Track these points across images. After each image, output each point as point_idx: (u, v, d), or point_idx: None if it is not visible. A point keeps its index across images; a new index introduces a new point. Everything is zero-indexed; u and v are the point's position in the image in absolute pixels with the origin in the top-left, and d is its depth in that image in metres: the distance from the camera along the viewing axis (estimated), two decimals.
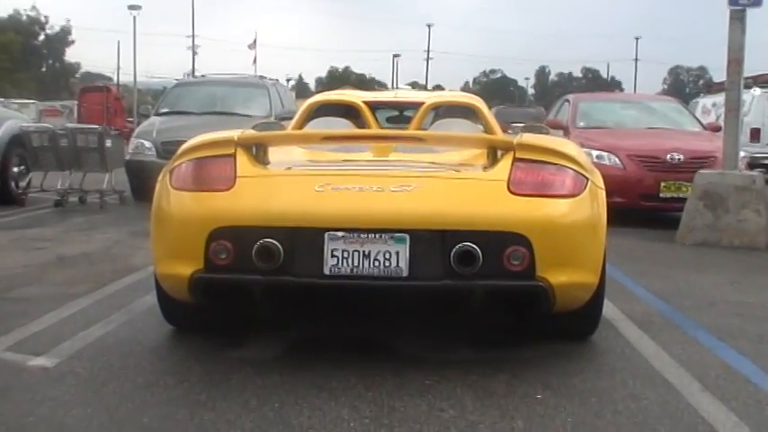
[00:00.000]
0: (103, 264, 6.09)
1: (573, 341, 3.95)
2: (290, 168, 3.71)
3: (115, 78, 57.17)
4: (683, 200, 8.17)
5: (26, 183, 10.37)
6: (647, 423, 2.96)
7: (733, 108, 8.07)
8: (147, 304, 4.54)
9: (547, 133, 5.35)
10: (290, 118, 5.91)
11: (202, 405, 3.07)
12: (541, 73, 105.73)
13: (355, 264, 3.31)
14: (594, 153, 8.85)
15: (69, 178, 10.36)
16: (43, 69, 69.75)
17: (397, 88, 19.33)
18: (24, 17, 67.20)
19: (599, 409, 3.09)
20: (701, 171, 8.04)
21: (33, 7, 68.10)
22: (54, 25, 68.98)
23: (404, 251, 3.31)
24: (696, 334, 4.25)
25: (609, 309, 4.46)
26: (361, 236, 3.31)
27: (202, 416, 2.96)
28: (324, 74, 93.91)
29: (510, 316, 4.17)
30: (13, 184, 10.17)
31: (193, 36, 61.70)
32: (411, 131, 5.04)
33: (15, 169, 10.22)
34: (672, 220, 8.45)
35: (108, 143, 10.29)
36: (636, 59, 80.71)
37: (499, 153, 3.64)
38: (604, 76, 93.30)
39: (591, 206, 3.56)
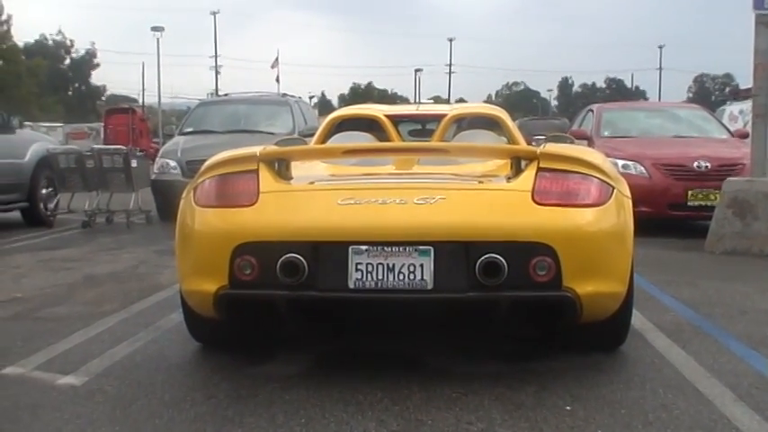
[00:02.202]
0: (130, 283, 6.13)
1: (601, 352, 3.91)
2: (312, 183, 3.71)
3: (140, 100, 57.93)
4: (712, 208, 8.08)
5: (54, 204, 10.48)
6: None
7: (761, 114, 7.98)
8: (173, 322, 4.56)
9: (571, 143, 5.32)
10: (313, 135, 5.92)
11: (230, 421, 3.07)
12: (564, 84, 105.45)
13: (380, 277, 3.30)
14: (620, 163, 8.78)
15: (96, 199, 10.46)
16: (69, 93, 70.77)
17: (419, 103, 19.34)
18: (50, 42, 68.32)
19: (629, 421, 3.05)
20: (729, 179, 7.95)
21: (59, 31, 69.30)
22: (79, 49, 70.07)
23: (428, 264, 3.29)
24: (727, 343, 4.19)
25: (637, 318, 4.41)
26: (386, 249, 3.30)
27: None
28: (346, 90, 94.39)
29: (537, 327, 4.13)
30: (41, 205, 10.29)
31: (216, 56, 62.39)
32: (433, 143, 5.04)
33: (43, 191, 10.34)
34: (700, 228, 8.35)
35: (134, 163, 10.39)
36: (660, 68, 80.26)
37: (523, 163, 3.61)
38: (628, 85, 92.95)
39: (617, 215, 3.52)
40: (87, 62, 70.90)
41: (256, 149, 3.73)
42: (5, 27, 53.11)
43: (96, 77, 72.65)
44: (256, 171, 3.58)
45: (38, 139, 10.88)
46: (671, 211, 8.95)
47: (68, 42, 69.46)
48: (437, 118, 5.67)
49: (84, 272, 6.65)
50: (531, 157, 3.59)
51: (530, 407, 3.19)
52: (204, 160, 3.86)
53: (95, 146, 14.18)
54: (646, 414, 3.12)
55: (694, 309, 5.02)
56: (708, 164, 8.98)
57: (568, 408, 3.19)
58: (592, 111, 11.70)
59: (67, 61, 70.23)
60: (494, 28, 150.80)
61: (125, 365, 3.84)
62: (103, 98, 71.78)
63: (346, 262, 3.31)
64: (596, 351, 3.89)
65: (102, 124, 38.75)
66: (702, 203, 8.78)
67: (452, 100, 62.27)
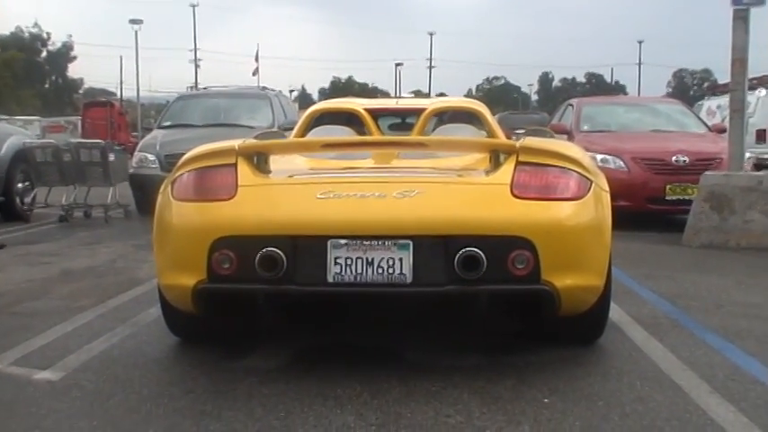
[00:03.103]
0: (108, 277, 6.09)
1: (579, 345, 3.93)
2: (291, 176, 3.70)
3: (118, 93, 57.47)
4: (690, 202, 8.15)
5: (31, 198, 10.39)
6: (656, 426, 2.94)
7: (738, 108, 8.06)
8: (151, 316, 4.54)
9: (550, 137, 5.34)
10: (293, 128, 5.90)
11: (208, 415, 3.06)
12: (545, 79, 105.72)
13: (359, 271, 3.30)
14: (599, 156, 8.83)
15: (74, 193, 10.38)
16: (46, 86, 70.09)
17: (399, 97, 19.34)
18: (26, 34, 67.59)
19: (606, 413, 3.07)
20: (707, 173, 8.02)
21: (35, 24, 68.59)
22: (56, 41, 69.39)
23: (407, 257, 3.29)
24: (704, 335, 4.23)
25: (615, 312, 4.44)
26: (365, 243, 3.30)
27: (208, 426, 2.95)
28: (327, 84, 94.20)
29: (516, 321, 4.15)
30: (17, 200, 10.19)
31: (195, 49, 61.98)
32: (412, 137, 5.03)
33: (20, 185, 10.25)
34: (678, 222, 8.42)
35: (111, 157, 10.31)
36: (639, 63, 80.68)
37: (502, 157, 3.62)
38: (608, 80, 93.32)
39: (595, 209, 3.54)
40: (64, 55, 70.24)
41: (235, 143, 3.71)
42: None
43: (73, 70, 71.98)
44: (235, 165, 3.57)
45: (14, 133, 10.77)
46: (649, 205, 9.01)
47: (45, 35, 68.79)
48: (417, 112, 5.66)
49: (62, 266, 6.60)
50: (511, 151, 3.60)
51: (508, 400, 3.20)
52: (183, 154, 3.84)
53: (72, 139, 14.07)
54: (623, 406, 3.14)
55: (671, 302, 5.06)
56: (686, 158, 9.05)
57: (546, 400, 3.20)
58: (571, 105, 11.75)
59: (44, 54, 69.50)
60: (474, 22, 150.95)
61: (102, 360, 3.82)
62: (81, 91, 71.14)
63: (325, 256, 3.31)
64: (574, 344, 3.91)
65: (80, 118, 38.41)
66: (680, 197, 8.85)
67: (433, 94, 62.31)
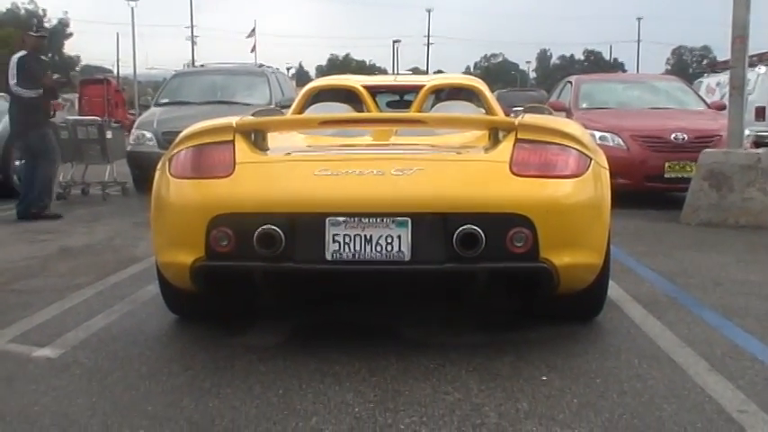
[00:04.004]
0: (106, 255, 6.09)
1: (578, 322, 3.93)
2: (289, 154, 3.69)
3: (115, 71, 57.16)
4: (688, 180, 8.13)
5: None
6: (654, 403, 2.95)
7: (738, 86, 8.01)
8: (149, 294, 4.53)
9: (549, 114, 5.31)
10: (290, 106, 5.88)
11: (207, 392, 3.06)
12: (543, 56, 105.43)
13: (357, 248, 3.29)
14: (598, 134, 8.77)
15: (71, 170, 10.35)
16: None
17: (397, 74, 19.26)
18: (22, 11, 67.16)
19: (604, 390, 3.08)
20: (706, 150, 7.99)
21: (31, 0, 68.08)
22: (52, 18, 68.97)
23: (406, 235, 3.28)
24: (702, 313, 4.23)
25: (614, 289, 4.44)
26: (363, 220, 3.29)
27: (207, 403, 2.95)
28: (324, 62, 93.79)
29: (514, 298, 4.15)
30: (15, 177, 10.15)
31: (192, 26, 61.80)
32: (411, 114, 5.01)
33: (17, 163, 10.20)
34: (677, 200, 8.41)
35: (109, 135, 10.29)
36: (638, 40, 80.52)
37: (501, 134, 3.60)
38: (607, 58, 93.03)
39: (594, 186, 3.53)
40: (60, 32, 69.81)
41: (232, 120, 3.69)
42: None
43: (70, 47, 71.61)
44: (232, 142, 3.55)
45: None
46: (648, 183, 8.99)
47: (41, 12, 68.38)
48: (415, 89, 5.64)
49: (60, 244, 6.59)
50: (510, 129, 3.58)
51: (506, 377, 3.21)
52: (180, 132, 3.82)
53: (70, 117, 14.01)
54: (621, 384, 3.15)
55: (670, 280, 5.06)
56: (685, 136, 9.02)
57: (544, 378, 3.21)
58: (570, 82, 11.69)
59: None
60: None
61: (101, 338, 3.82)
62: (77, 69, 70.65)
63: (323, 233, 3.29)
64: (572, 322, 3.91)
65: (77, 95, 38.22)
66: (679, 175, 8.83)
67: (431, 72, 62.04)
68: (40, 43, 8.60)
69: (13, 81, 8.13)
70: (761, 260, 5.88)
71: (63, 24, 69.99)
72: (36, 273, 5.42)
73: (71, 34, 71.03)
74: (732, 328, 3.95)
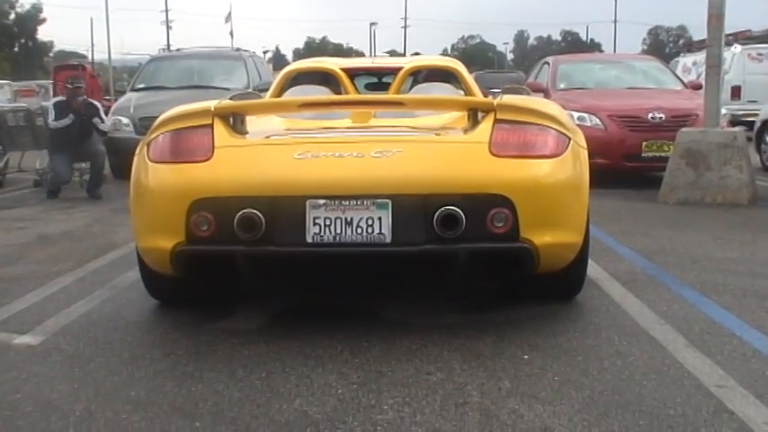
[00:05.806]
0: (85, 241, 6.05)
1: (558, 301, 3.97)
2: (268, 137, 3.67)
3: (90, 56, 56.55)
4: (666, 159, 8.18)
5: (3, 163, 10.25)
6: (634, 379, 2.98)
7: (714, 65, 8.05)
8: (130, 280, 4.52)
9: (527, 95, 5.32)
10: (268, 89, 5.84)
11: (189, 376, 3.06)
12: (520, 37, 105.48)
13: (338, 231, 3.29)
14: (575, 114, 8.80)
15: (47, 157, 10.22)
16: (16, 49, 68.67)
17: (375, 56, 19.20)
18: None
19: (585, 367, 3.11)
20: (683, 129, 8.04)
21: None
22: (24, 3, 67.91)
23: (386, 217, 3.28)
24: (680, 290, 4.28)
25: (593, 268, 4.48)
26: (343, 203, 3.29)
27: (190, 387, 2.96)
28: (301, 45, 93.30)
29: (495, 279, 4.17)
30: None
31: (167, 10, 61.06)
32: (389, 96, 5.00)
33: None
34: (654, 179, 8.47)
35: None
36: (615, 21, 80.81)
37: (480, 115, 3.61)
38: (584, 38, 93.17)
39: (573, 166, 3.55)
40: (33, 17, 68.72)
41: (211, 104, 3.67)
42: None
43: (43, 33, 70.53)
44: (211, 126, 3.53)
45: None
46: (626, 163, 9.04)
47: None
48: (393, 71, 5.62)
49: (38, 231, 6.54)
50: (488, 109, 3.59)
51: (488, 356, 3.23)
52: (157, 117, 3.79)
53: (44, 103, 13.85)
54: (601, 361, 3.18)
55: (648, 258, 5.11)
56: (662, 115, 9.06)
57: (526, 357, 3.24)
58: (548, 63, 11.72)
59: (12, 16, 68.04)
60: None
61: (82, 324, 3.80)
62: (51, 54, 69.84)
63: (304, 216, 3.29)
64: (553, 301, 3.95)
65: (51, 81, 37.77)
66: (657, 154, 8.88)
67: (408, 54, 61.88)
68: None
69: None
70: (738, 238, 5.94)
71: (36, 9, 68.94)
72: (14, 260, 5.38)
73: (44, 19, 69.88)
74: (710, 304, 4.00)
